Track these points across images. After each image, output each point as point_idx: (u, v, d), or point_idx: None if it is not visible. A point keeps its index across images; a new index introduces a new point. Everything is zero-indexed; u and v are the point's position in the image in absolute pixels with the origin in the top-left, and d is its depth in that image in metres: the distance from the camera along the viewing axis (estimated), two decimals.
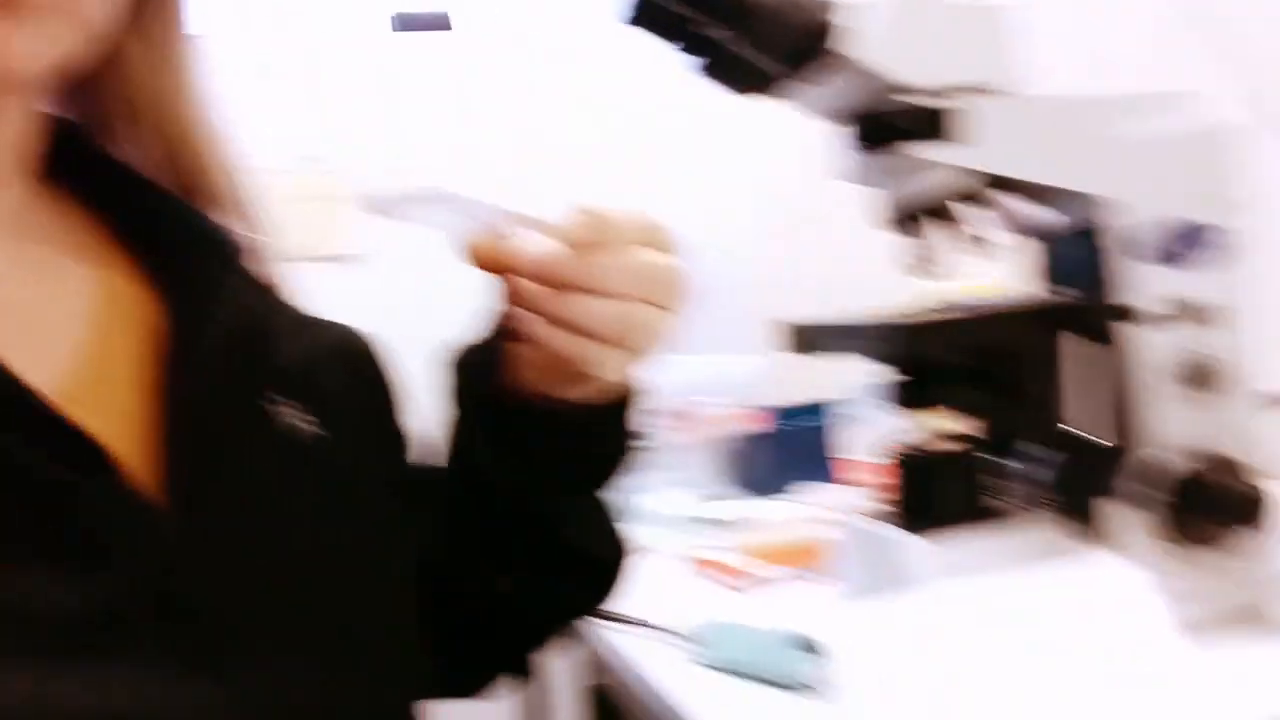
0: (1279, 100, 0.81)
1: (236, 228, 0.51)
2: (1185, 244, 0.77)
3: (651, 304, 0.48)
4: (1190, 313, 0.77)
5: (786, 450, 1.44)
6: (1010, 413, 0.78)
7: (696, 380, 1.40)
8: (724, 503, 1.31)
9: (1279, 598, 0.77)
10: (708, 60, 0.71)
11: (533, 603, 0.58)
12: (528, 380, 0.52)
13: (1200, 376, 0.77)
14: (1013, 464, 0.88)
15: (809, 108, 0.79)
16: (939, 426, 0.81)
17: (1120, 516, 0.75)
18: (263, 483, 0.46)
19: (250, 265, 0.51)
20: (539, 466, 0.53)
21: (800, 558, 1.01)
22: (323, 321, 0.55)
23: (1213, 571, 0.75)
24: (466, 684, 0.62)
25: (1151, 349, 0.77)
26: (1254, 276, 0.77)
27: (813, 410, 1.45)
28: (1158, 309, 0.76)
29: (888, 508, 0.79)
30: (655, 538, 1.13)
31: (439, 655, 0.53)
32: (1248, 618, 0.76)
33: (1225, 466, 0.74)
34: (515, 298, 0.49)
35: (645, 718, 0.95)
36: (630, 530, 0.60)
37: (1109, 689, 0.57)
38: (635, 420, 0.56)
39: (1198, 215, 0.76)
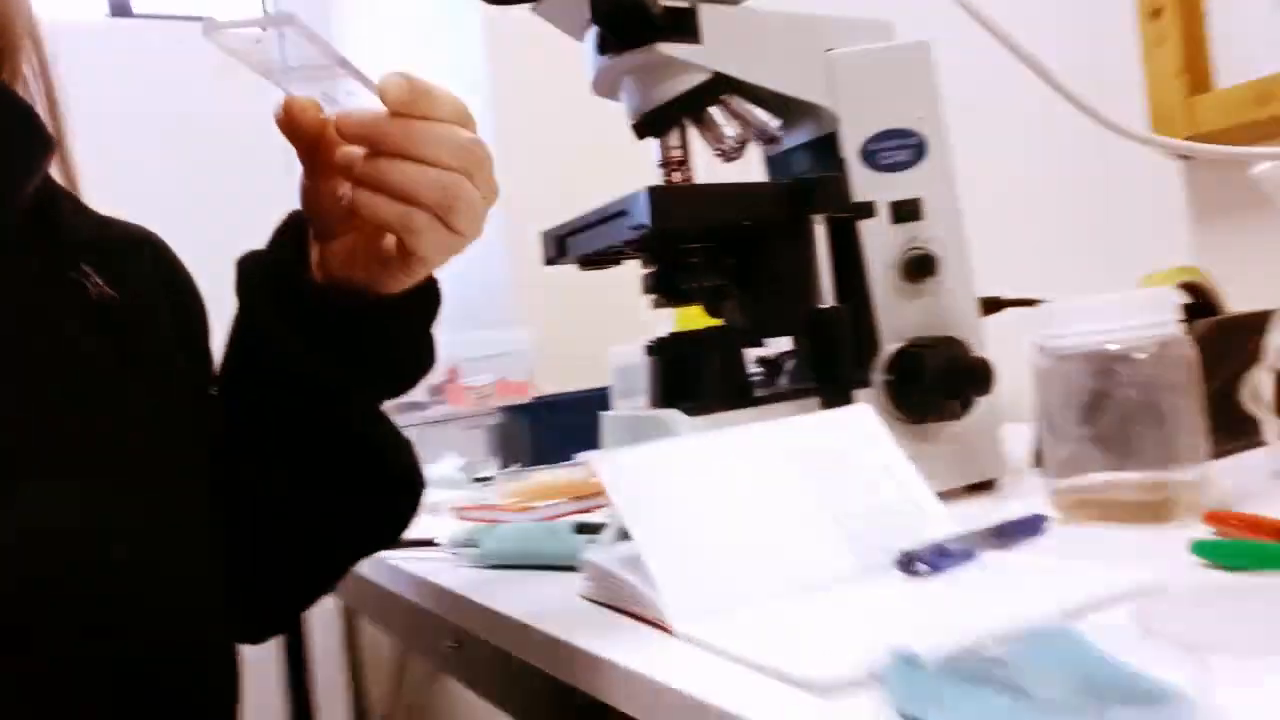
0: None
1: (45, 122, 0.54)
2: (894, 149, 0.85)
3: (467, 175, 0.50)
4: (906, 210, 0.85)
5: (562, 421, 1.43)
6: (763, 300, 0.82)
7: (465, 353, 1.38)
8: (495, 471, 1.29)
9: (1003, 463, 0.85)
10: None
11: (325, 515, 0.58)
12: (337, 272, 0.55)
13: (920, 268, 0.85)
14: (767, 351, 0.93)
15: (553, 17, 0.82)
16: (694, 319, 0.84)
17: (867, 398, 0.81)
18: (56, 337, 0.50)
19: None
20: (343, 361, 0.55)
21: (567, 491, 1.01)
22: (122, 220, 0.62)
23: (946, 443, 0.82)
24: (260, 619, 0.62)
25: (877, 244, 0.84)
26: (949, 176, 0.86)
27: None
28: (879, 207, 0.83)
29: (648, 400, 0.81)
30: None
31: (235, 586, 0.53)
32: (980, 484, 0.83)
33: (948, 345, 0.81)
34: (333, 167, 0.52)
35: (409, 623, 0.92)
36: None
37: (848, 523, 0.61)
38: (433, 327, 0.59)
39: (905, 123, 0.85)
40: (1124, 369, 0.64)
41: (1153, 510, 0.64)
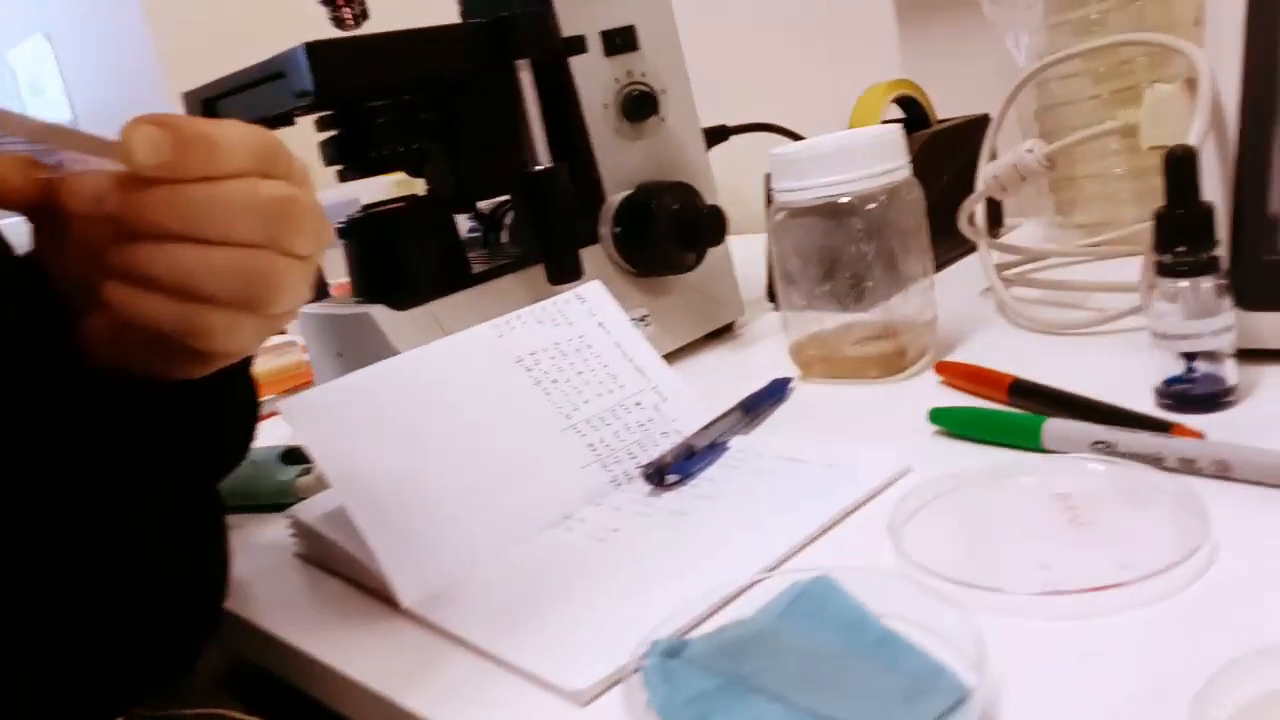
0: None
1: None
2: None
3: (279, 249, 0.35)
4: (620, 40, 0.75)
5: None
6: (470, 159, 0.71)
7: None
8: None
9: (741, 304, 0.82)
10: None
11: None
12: (101, 353, 0.38)
13: (640, 106, 0.76)
14: (482, 218, 0.83)
15: None
16: (394, 188, 0.72)
17: (595, 255, 0.74)
18: None
19: None
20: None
21: (274, 384, 0.89)
22: None
23: (681, 294, 0.78)
24: None
25: (591, 83, 0.74)
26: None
27: None
28: (589, 40, 0.73)
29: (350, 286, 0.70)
30: None
31: None
32: (713, 330, 0.80)
33: (677, 192, 0.75)
34: (79, 247, 0.36)
35: None
36: None
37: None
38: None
39: None
40: (857, 220, 0.61)
41: (887, 362, 0.63)
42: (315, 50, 0.56)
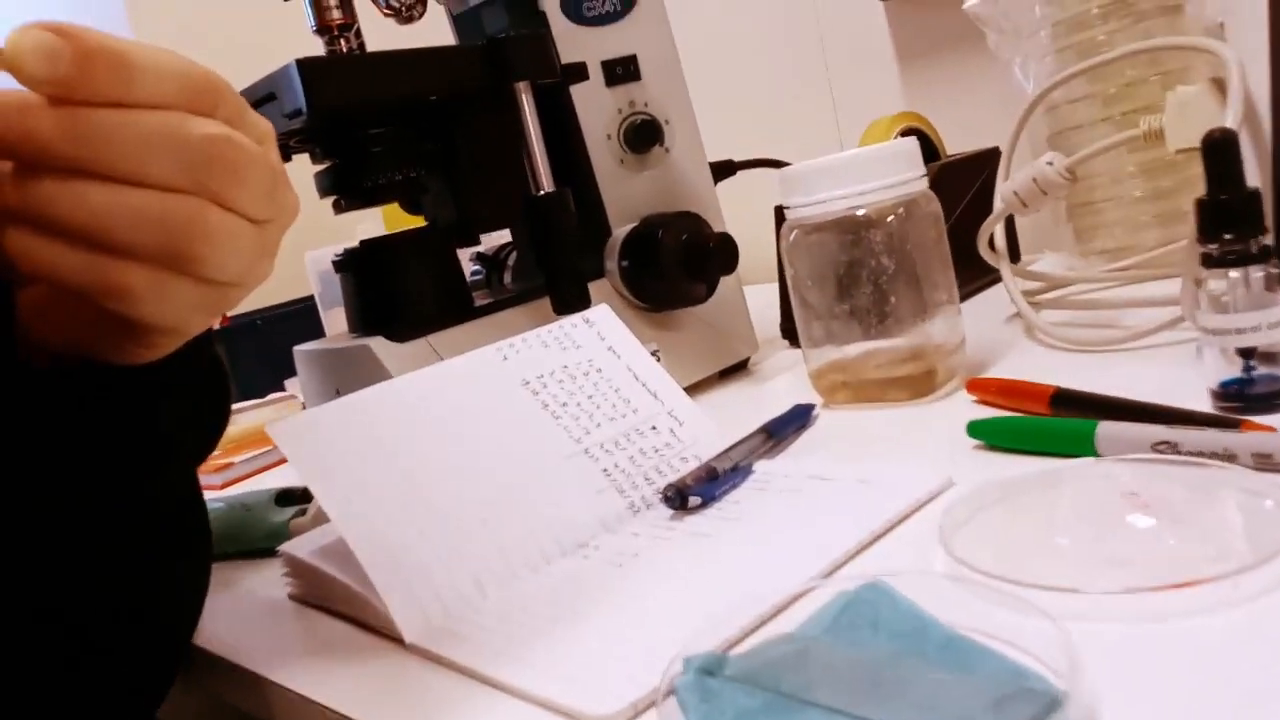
0: None
1: None
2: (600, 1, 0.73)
3: (210, 199, 0.30)
4: (621, 70, 0.74)
5: (265, 345, 1.25)
6: (469, 189, 0.69)
7: None
8: None
9: (754, 340, 0.79)
10: None
11: None
12: (36, 336, 0.34)
13: (643, 136, 0.75)
14: (483, 247, 0.80)
15: None
16: (392, 220, 0.70)
17: (602, 290, 0.71)
18: None
19: None
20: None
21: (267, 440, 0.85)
22: None
23: (693, 329, 0.75)
24: None
25: (593, 113, 0.73)
26: (663, 25, 0.76)
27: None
28: (590, 68, 0.71)
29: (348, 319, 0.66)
30: None
31: None
32: (727, 368, 0.77)
33: (685, 222, 0.73)
34: None
35: None
36: None
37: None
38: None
39: None
40: (875, 234, 0.58)
41: (915, 384, 0.59)
42: (307, 67, 0.54)
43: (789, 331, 0.83)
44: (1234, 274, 0.45)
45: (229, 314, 1.29)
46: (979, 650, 0.29)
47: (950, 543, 0.36)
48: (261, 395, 1.17)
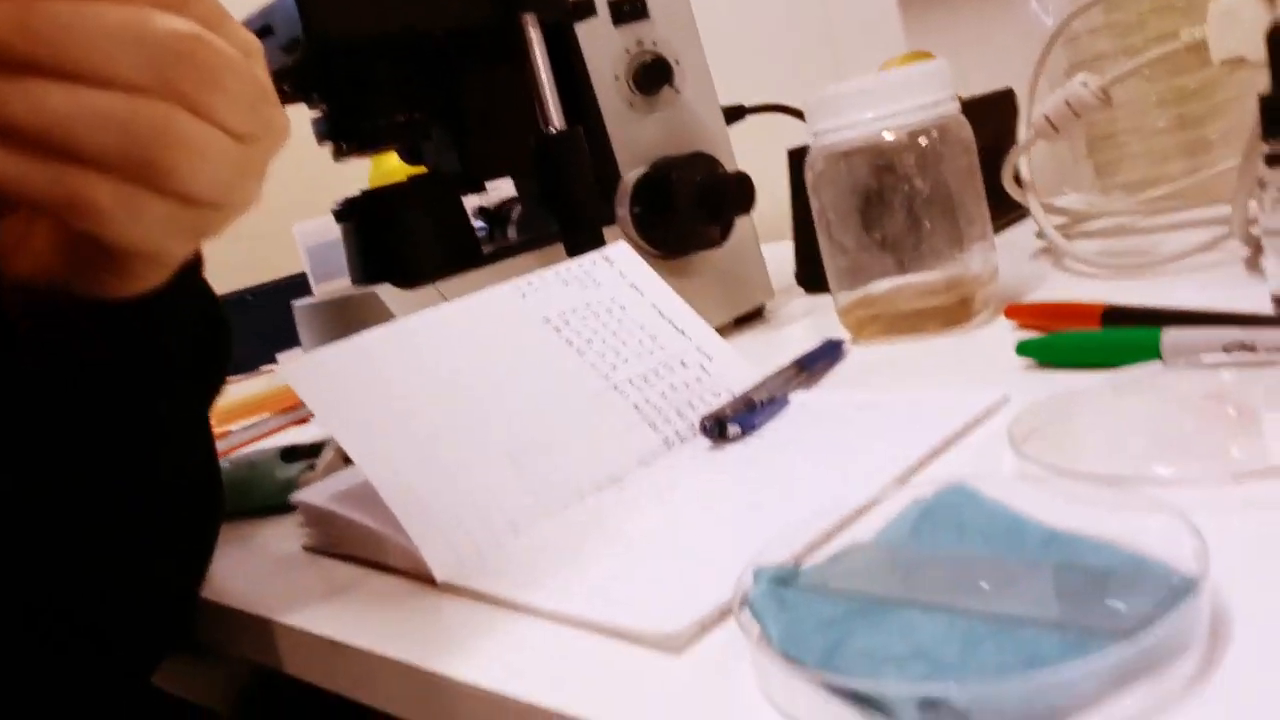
0: None
1: None
2: None
3: (180, 103, 0.27)
4: (628, 7, 0.71)
5: (254, 321, 1.22)
6: (473, 134, 0.66)
7: None
8: None
9: (771, 287, 0.76)
10: None
11: None
12: (26, 269, 0.32)
13: (653, 76, 0.72)
14: (486, 200, 0.77)
15: None
16: (394, 167, 0.67)
17: (613, 236, 0.69)
18: None
19: None
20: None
21: (270, 404, 0.82)
22: None
23: (708, 274, 0.72)
24: None
25: (601, 53, 0.70)
26: None
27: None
28: (598, 3, 0.68)
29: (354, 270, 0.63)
30: None
31: None
32: (749, 315, 0.75)
33: (698, 163, 0.70)
34: None
35: None
36: None
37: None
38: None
39: None
40: (907, 158, 0.55)
41: (949, 314, 0.57)
42: None
43: (805, 279, 0.80)
44: None
45: (216, 290, 1.25)
46: (1089, 544, 0.26)
47: (1023, 449, 0.34)
48: (250, 370, 1.14)
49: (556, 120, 0.61)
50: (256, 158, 0.30)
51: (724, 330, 0.73)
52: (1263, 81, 0.44)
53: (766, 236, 0.95)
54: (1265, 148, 0.43)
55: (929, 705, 0.21)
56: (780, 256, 0.82)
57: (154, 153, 0.27)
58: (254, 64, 0.30)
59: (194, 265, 0.38)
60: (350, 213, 0.62)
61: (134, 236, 0.29)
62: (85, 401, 0.35)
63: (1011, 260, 0.71)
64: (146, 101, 0.27)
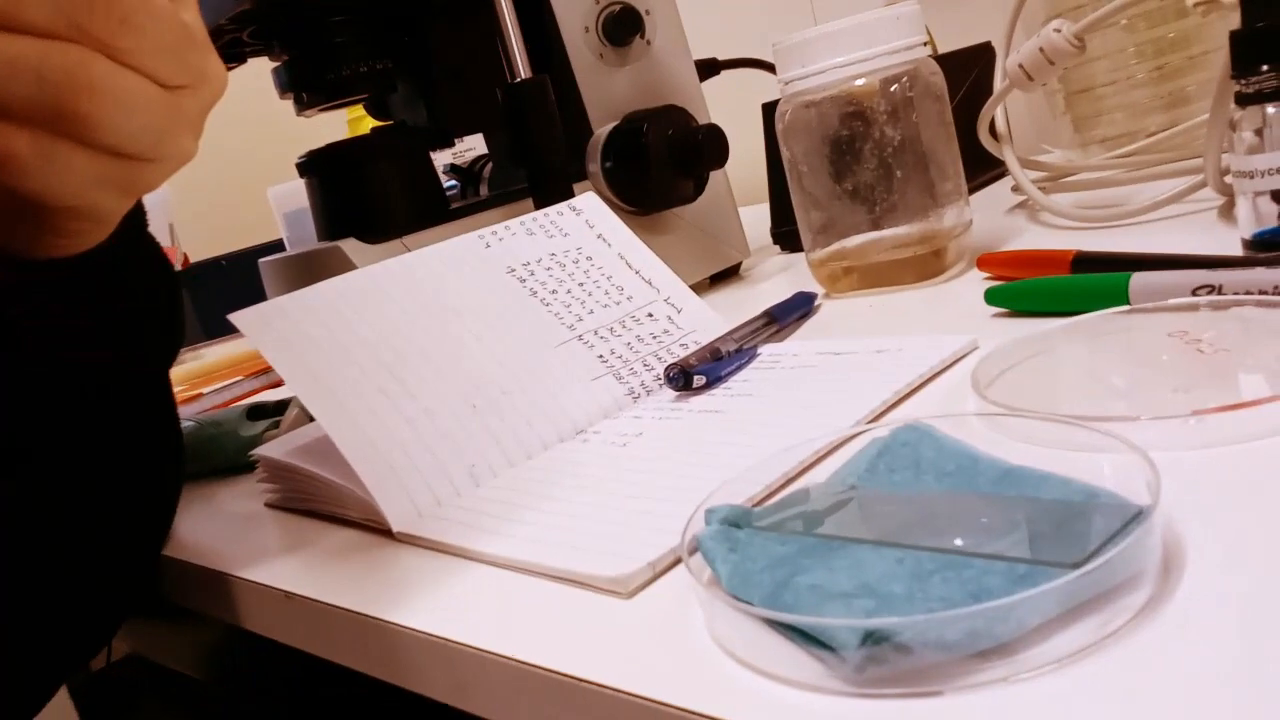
0: None
1: None
2: None
3: (96, 47, 0.26)
4: None
5: (230, 287, 1.21)
6: (441, 85, 0.64)
7: None
8: None
9: (746, 244, 0.75)
10: None
11: None
12: None
13: (623, 26, 0.70)
14: (459, 172, 0.76)
15: None
16: (361, 121, 0.65)
17: (588, 188, 0.67)
18: None
19: None
20: None
21: (243, 366, 0.81)
22: None
23: (682, 231, 0.71)
24: None
25: (570, 3, 0.68)
26: None
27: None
28: None
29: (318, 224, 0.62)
30: None
31: None
32: (725, 273, 0.74)
33: (670, 115, 0.68)
34: None
35: None
36: None
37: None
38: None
39: None
40: (878, 104, 0.54)
41: (923, 266, 0.56)
42: None
43: (781, 236, 0.79)
44: (1271, 109, 0.42)
45: (191, 258, 1.24)
46: (1042, 476, 0.25)
47: (986, 392, 0.33)
48: (227, 334, 1.13)
49: (524, 71, 0.60)
50: (188, 108, 0.29)
51: (699, 287, 0.72)
52: (1237, 24, 0.43)
53: (744, 200, 0.94)
54: (1236, 86, 0.43)
55: (873, 640, 0.21)
56: (758, 219, 0.81)
57: (70, 100, 0.26)
58: (181, 8, 0.28)
59: (137, 221, 0.37)
60: (314, 165, 0.61)
61: (59, 190, 0.27)
62: (37, 363, 0.34)
63: (988, 215, 0.71)
64: (59, 47, 0.26)
